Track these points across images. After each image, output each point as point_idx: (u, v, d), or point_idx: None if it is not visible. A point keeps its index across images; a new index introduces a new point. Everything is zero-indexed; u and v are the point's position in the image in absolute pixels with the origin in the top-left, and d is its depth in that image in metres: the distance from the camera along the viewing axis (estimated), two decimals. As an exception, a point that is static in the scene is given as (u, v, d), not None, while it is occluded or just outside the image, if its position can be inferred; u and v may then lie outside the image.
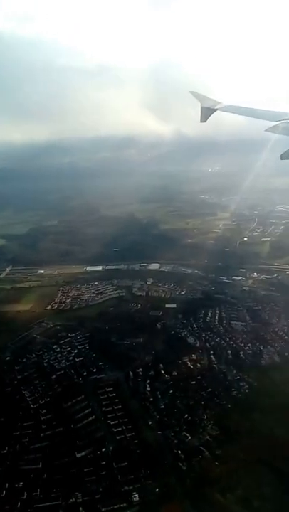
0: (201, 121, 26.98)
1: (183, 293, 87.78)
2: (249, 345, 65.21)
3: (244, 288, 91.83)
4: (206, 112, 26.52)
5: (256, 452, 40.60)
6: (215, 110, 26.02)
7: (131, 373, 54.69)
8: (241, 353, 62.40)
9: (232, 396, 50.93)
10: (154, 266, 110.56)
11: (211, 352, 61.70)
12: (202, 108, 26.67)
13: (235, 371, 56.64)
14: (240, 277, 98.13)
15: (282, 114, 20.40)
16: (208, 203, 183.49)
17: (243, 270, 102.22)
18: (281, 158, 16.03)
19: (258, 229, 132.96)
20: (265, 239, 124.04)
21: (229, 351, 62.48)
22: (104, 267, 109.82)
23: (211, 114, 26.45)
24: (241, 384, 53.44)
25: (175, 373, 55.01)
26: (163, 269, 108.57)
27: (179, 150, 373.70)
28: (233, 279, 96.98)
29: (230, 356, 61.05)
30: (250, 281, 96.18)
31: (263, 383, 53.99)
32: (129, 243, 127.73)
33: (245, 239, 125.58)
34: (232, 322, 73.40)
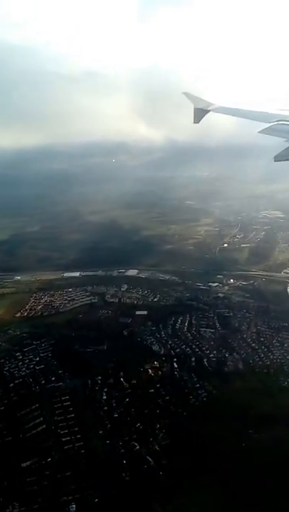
0: (194, 123, 26.85)
1: (156, 299, 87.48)
2: (215, 352, 64.96)
3: (219, 294, 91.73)
4: (199, 114, 26.39)
5: (205, 462, 40.10)
6: (208, 111, 25.89)
7: (89, 381, 54.06)
8: (205, 360, 62.11)
9: (189, 404, 50.59)
10: (132, 272, 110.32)
11: (175, 359, 61.27)
12: (195, 109, 26.52)
13: (196, 379, 56.30)
14: (216, 284, 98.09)
15: (276, 115, 20.12)
16: (193, 209, 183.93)
17: (221, 276, 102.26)
18: (275, 160, 15.34)
19: (239, 235, 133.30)
20: (244, 245, 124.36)
21: (193, 358, 62.15)
22: (81, 273, 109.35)
23: (204, 115, 26.29)
24: (200, 392, 53.11)
25: (134, 381, 54.48)
26: (141, 275, 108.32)
27: (169, 156, 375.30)
28: (210, 286, 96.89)
29: (194, 364, 60.71)
30: (226, 287, 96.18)
31: (222, 391, 53.73)
32: (109, 249, 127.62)
33: (226, 245, 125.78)
34: (201, 329, 73.12)
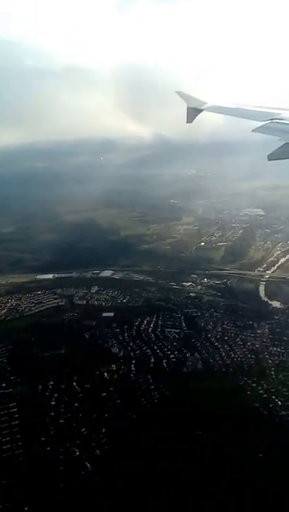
0: (188, 122, 26.30)
1: (124, 301, 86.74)
2: (176, 352, 64.33)
3: (190, 294, 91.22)
4: (192, 113, 25.90)
5: (145, 467, 39.43)
6: (201, 110, 25.46)
7: (40, 387, 53.15)
8: (165, 361, 61.48)
9: (141, 406, 49.91)
10: (107, 273, 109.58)
11: (133, 361, 60.52)
12: (188, 108, 25.98)
13: (151, 380, 55.63)
14: (189, 283, 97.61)
15: (270, 113, 19.75)
16: (176, 208, 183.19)
17: (195, 276, 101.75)
18: (269, 159, 15.10)
19: (217, 233, 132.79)
20: (221, 243, 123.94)
21: (152, 360, 61.45)
22: (55, 275, 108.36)
23: (197, 114, 25.84)
24: (153, 394, 52.44)
25: (88, 385, 53.69)
26: (115, 276, 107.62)
27: (157, 153, 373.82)
28: (183, 285, 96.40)
29: (152, 365, 60.06)
30: (199, 286, 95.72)
31: (176, 392, 53.14)
32: (85, 250, 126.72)
33: (202, 244, 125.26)
34: (166, 330, 72.47)
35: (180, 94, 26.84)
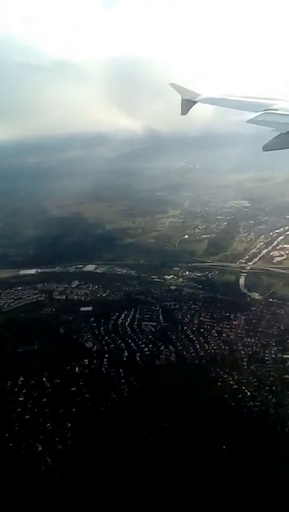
0: (182, 114, 26.77)
1: (104, 295, 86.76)
2: (150, 346, 64.51)
3: (171, 287, 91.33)
4: (187, 105, 26.30)
5: (105, 461, 39.68)
6: (195, 102, 25.71)
7: (9, 383, 53.17)
8: (138, 354, 61.68)
9: (109, 400, 50.04)
10: (90, 267, 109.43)
11: (106, 355, 60.61)
12: (182, 100, 26.40)
13: (123, 374, 55.76)
14: (171, 276, 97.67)
15: (263, 104, 19.97)
16: (163, 201, 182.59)
17: (177, 269, 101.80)
18: (263, 150, 15.45)
19: (201, 226, 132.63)
20: (205, 236, 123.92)
21: (126, 353, 61.57)
22: (38, 270, 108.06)
23: (192, 106, 26.15)
24: (122, 387, 52.62)
25: (58, 380, 53.75)
26: (98, 270, 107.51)
27: (149, 146, 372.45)
28: (164, 278, 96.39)
29: (125, 359, 60.18)
30: (180, 279, 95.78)
31: (146, 385, 53.33)
32: (70, 244, 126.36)
33: (186, 236, 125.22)
34: (143, 323, 72.62)
35: (174, 86, 27.20)
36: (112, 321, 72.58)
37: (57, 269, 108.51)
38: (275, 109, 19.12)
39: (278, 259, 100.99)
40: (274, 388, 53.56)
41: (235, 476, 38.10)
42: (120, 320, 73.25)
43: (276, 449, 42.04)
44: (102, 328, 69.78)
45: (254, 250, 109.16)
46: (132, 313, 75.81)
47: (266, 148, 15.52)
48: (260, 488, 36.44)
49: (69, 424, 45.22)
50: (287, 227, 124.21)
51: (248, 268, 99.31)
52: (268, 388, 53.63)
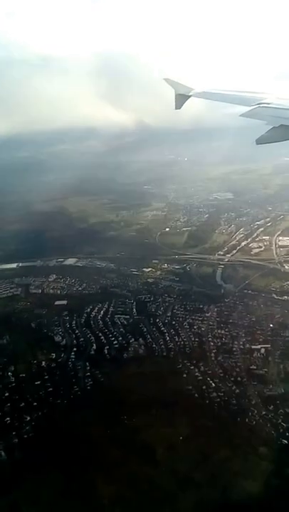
0: (176, 108, 27.07)
1: (80, 288, 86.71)
2: (120, 339, 64.75)
3: (148, 280, 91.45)
4: (180, 99, 26.56)
5: (59, 454, 39.98)
6: (189, 97, 25.98)
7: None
8: (107, 348, 61.87)
9: (72, 393, 50.28)
10: (71, 261, 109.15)
11: (74, 349, 60.76)
12: (176, 95, 26.61)
13: (89, 367, 55.99)
14: (149, 269, 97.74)
15: (257, 98, 20.11)
16: (148, 194, 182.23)
17: (156, 261, 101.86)
18: (257, 143, 15.58)
19: (183, 218, 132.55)
20: (186, 228, 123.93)
21: (94, 347, 61.74)
22: (19, 264, 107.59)
23: (186, 100, 26.47)
24: (86, 381, 52.88)
25: (23, 374, 53.85)
26: (78, 263, 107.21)
27: (140, 140, 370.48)
28: (142, 271, 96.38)
29: (93, 352, 60.36)
30: (159, 272, 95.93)
31: (111, 378, 53.70)
32: (52, 238, 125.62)
33: (167, 229, 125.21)
34: (116, 316, 72.76)
35: (168, 81, 27.05)
36: (85, 315, 72.68)
37: (38, 263, 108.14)
38: (268, 103, 19.29)
39: (256, 250, 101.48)
40: (239, 379, 54.14)
41: (187, 468, 38.38)
42: (93, 313, 73.36)
43: (232, 439, 42.46)
44: (74, 322, 69.89)
45: (233, 242, 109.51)
46: (106, 306, 75.89)
47: (259, 141, 15.66)
48: (209, 481, 36.77)
49: (28, 418, 45.34)
50: (268, 219, 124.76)
51: (226, 260, 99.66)
52: (232, 379, 54.23)
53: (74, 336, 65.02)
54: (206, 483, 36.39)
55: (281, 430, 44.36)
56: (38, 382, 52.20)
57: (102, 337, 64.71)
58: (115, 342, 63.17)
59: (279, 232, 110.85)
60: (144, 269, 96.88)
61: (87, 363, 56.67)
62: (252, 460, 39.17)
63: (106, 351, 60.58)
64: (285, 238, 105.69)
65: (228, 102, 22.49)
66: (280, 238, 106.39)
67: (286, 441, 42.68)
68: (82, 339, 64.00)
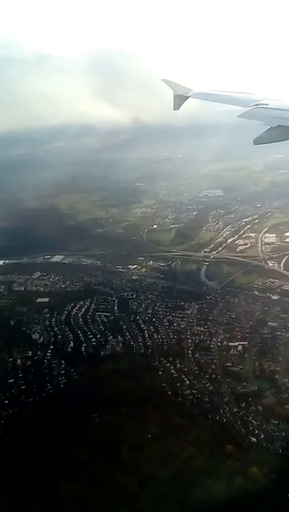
0: (174, 109, 27.34)
1: (63, 286, 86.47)
2: (98, 336, 64.61)
3: (133, 277, 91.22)
4: (179, 100, 26.85)
5: (26, 453, 39.87)
6: (187, 97, 26.24)
7: None
8: (84, 345, 61.74)
9: (45, 392, 50.17)
10: (57, 258, 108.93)
11: (51, 347, 60.59)
12: (175, 96, 26.87)
13: (64, 365, 55.85)
14: (135, 266, 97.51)
15: (254, 99, 20.46)
16: (140, 191, 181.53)
17: (142, 258, 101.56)
18: (254, 143, 15.87)
19: (171, 216, 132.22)
20: (173, 225, 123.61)
21: (71, 345, 61.59)
22: (5, 261, 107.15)
23: (184, 101, 26.77)
24: (60, 379, 52.77)
25: (-3, 373, 53.62)
26: (65, 261, 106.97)
27: (136, 137, 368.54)
28: (128, 268, 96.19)
29: (70, 350, 60.22)
30: (144, 269, 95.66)
31: (86, 376, 53.56)
32: (41, 235, 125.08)
33: (155, 226, 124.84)
34: (97, 313, 72.63)
35: (166, 81, 27.30)
36: (65, 312, 72.52)
37: (24, 260, 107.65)
38: (266, 104, 19.47)
39: (242, 248, 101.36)
40: (213, 376, 54.11)
41: (152, 466, 38.33)
42: (74, 311, 73.21)
43: (200, 437, 42.44)
44: (53, 320, 69.74)
45: (220, 239, 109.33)
46: (87, 303, 75.76)
47: (257, 142, 15.83)
48: (172, 479, 36.72)
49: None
50: (255, 216, 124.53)
51: (212, 257, 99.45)
52: (207, 376, 54.17)
53: (52, 333, 64.76)
54: (168, 481, 36.16)
55: (251, 428, 44.33)
56: (12, 381, 52.10)
57: (81, 335, 64.54)
58: (93, 339, 63.03)
59: (266, 229, 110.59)
60: (130, 267, 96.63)
61: (63, 361, 56.52)
62: (218, 458, 39.01)
63: (83, 349, 60.48)
64: (271, 235, 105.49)
65: (226, 103, 22.83)
66: (266, 235, 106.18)
67: (254, 439, 42.49)
68: (60, 337, 63.80)
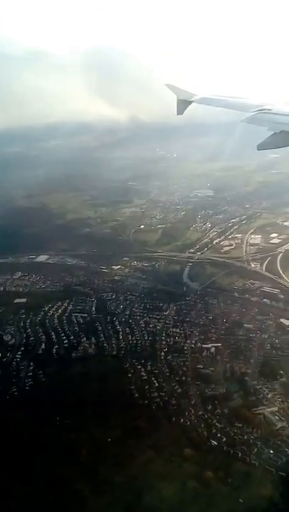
0: (178, 114, 27.59)
1: (44, 286, 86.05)
2: (71, 338, 64.15)
3: (115, 277, 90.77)
4: (182, 105, 27.04)
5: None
6: (191, 102, 26.43)
7: None
8: (56, 347, 61.30)
9: (9, 394, 49.73)
10: (42, 258, 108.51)
11: (22, 349, 60.16)
12: (178, 100, 27.05)
13: (32, 367, 55.37)
14: (119, 266, 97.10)
15: (257, 105, 20.60)
16: (132, 190, 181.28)
17: (127, 259, 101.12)
18: (258, 149, 16.10)
19: (159, 216, 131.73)
20: (160, 226, 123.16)
21: (43, 346, 61.12)
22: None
23: (187, 106, 26.93)
24: (27, 381, 52.28)
25: None
26: (50, 260, 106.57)
27: (133, 136, 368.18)
28: (112, 269, 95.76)
29: (40, 352, 59.76)
30: (127, 269, 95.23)
31: (53, 378, 53.06)
32: (28, 234, 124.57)
33: (142, 226, 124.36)
34: (73, 314, 72.19)
35: (169, 86, 27.47)
36: (42, 313, 72.11)
37: (9, 259, 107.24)
38: (269, 109, 19.49)
39: (226, 248, 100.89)
40: (183, 378, 53.65)
41: (109, 470, 37.89)
42: (51, 312, 72.77)
43: (161, 440, 42.00)
44: (28, 321, 69.32)
45: (206, 240, 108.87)
46: (65, 304, 75.35)
47: (260, 147, 15.99)
48: (126, 483, 36.29)
49: None
50: (243, 217, 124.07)
51: (196, 258, 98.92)
52: (177, 379, 53.76)
53: (25, 334, 64.38)
54: (122, 485, 35.72)
55: (214, 431, 43.88)
56: (-23, 383, 51.36)
57: (54, 336, 64.04)
58: (66, 341, 62.60)
59: (252, 230, 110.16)
60: (114, 267, 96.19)
61: (32, 363, 55.93)
62: (175, 462, 38.54)
63: (54, 351, 59.97)
64: (257, 236, 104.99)
65: (230, 108, 22.94)
66: (252, 236, 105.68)
67: (216, 443, 42.02)
68: (32, 338, 63.40)
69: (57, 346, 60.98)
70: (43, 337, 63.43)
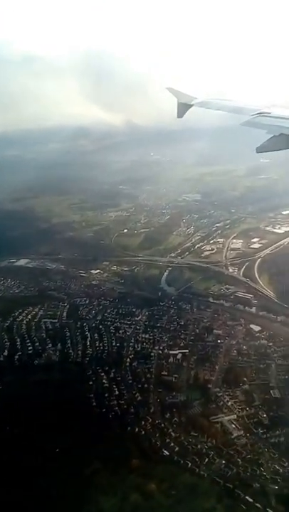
0: (178, 117, 27.69)
1: (17, 291, 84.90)
2: (37, 344, 62.90)
3: (93, 282, 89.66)
4: (183, 108, 27.14)
5: None
6: (191, 106, 26.52)
7: None
8: (19, 354, 60.03)
9: None
10: (22, 262, 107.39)
11: (-17, 355, 58.79)
12: (178, 104, 27.16)
13: (-9, 375, 53.96)
14: (98, 270, 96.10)
15: (256, 109, 20.70)
16: (121, 194, 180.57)
17: (107, 263, 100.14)
18: (257, 152, 16.21)
19: (144, 220, 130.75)
20: (144, 230, 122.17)
21: (5, 353, 59.86)
22: None
23: (188, 109, 27.02)
24: (-18, 389, 50.85)
25: None
26: (29, 265, 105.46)
27: (129, 140, 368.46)
28: (90, 273, 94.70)
29: (2, 359, 58.46)
30: (106, 274, 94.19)
31: (11, 386, 51.79)
32: (10, 238, 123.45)
33: (125, 230, 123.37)
34: (43, 320, 70.94)
35: (170, 90, 27.48)
36: (11, 319, 70.75)
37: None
38: (268, 112, 19.52)
39: (207, 253, 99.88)
40: (146, 386, 52.41)
41: (51, 482, 36.55)
42: (20, 317, 71.51)
43: (110, 451, 40.68)
44: (-6, 327, 67.79)
45: (188, 244, 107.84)
46: (36, 309, 74.10)
47: (260, 150, 15.96)
48: (67, 496, 34.96)
49: None
50: (228, 221, 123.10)
51: (176, 262, 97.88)
52: (139, 386, 52.52)
53: (-10, 341, 62.82)
54: (63, 499, 34.37)
55: (167, 440, 42.60)
56: None
57: (19, 342, 62.69)
58: (30, 348, 61.34)
59: (234, 235, 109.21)
60: (92, 271, 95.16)
61: (-9, 371, 54.46)
62: (121, 473, 37.20)
63: (16, 358, 58.55)
64: (239, 241, 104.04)
65: (229, 111, 23.05)
66: (234, 241, 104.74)
67: (167, 452, 40.71)
68: (-5, 345, 61.89)
69: (20, 353, 59.66)
70: (7, 343, 62.04)
